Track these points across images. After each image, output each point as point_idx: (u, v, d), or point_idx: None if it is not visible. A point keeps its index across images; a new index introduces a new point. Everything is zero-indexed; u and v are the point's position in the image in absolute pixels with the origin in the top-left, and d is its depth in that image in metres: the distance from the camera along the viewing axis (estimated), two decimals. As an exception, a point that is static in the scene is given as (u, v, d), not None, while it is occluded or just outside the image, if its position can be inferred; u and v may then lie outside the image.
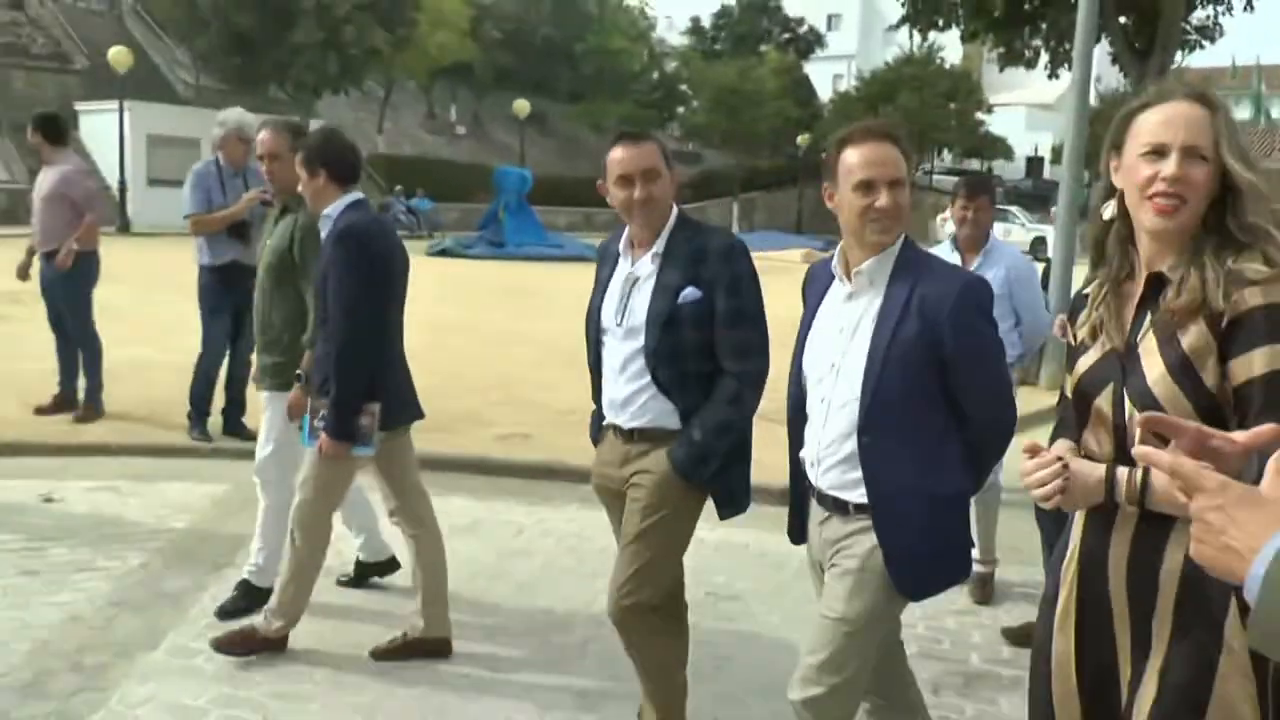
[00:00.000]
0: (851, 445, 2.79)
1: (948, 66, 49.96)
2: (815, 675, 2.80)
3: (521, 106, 39.00)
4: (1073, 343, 2.30)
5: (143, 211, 27.91)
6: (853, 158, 2.77)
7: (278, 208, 4.91)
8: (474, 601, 4.98)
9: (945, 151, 55.21)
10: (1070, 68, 12.50)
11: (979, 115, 50.39)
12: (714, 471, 3.40)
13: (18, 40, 37.72)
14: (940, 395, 2.78)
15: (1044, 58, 19.47)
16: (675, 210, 3.45)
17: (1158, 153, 2.07)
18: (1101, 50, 15.32)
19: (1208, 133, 2.06)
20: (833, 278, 2.93)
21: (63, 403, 8.07)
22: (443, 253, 27.34)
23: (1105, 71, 31.85)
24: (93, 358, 8.04)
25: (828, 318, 2.92)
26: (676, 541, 3.50)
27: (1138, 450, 1.48)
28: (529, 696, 4.11)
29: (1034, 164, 59.98)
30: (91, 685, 4.04)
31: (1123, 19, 16.91)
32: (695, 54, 55.06)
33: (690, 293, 3.32)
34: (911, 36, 27.36)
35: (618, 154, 3.37)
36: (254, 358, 4.94)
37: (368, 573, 5.18)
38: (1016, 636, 4.72)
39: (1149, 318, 2.12)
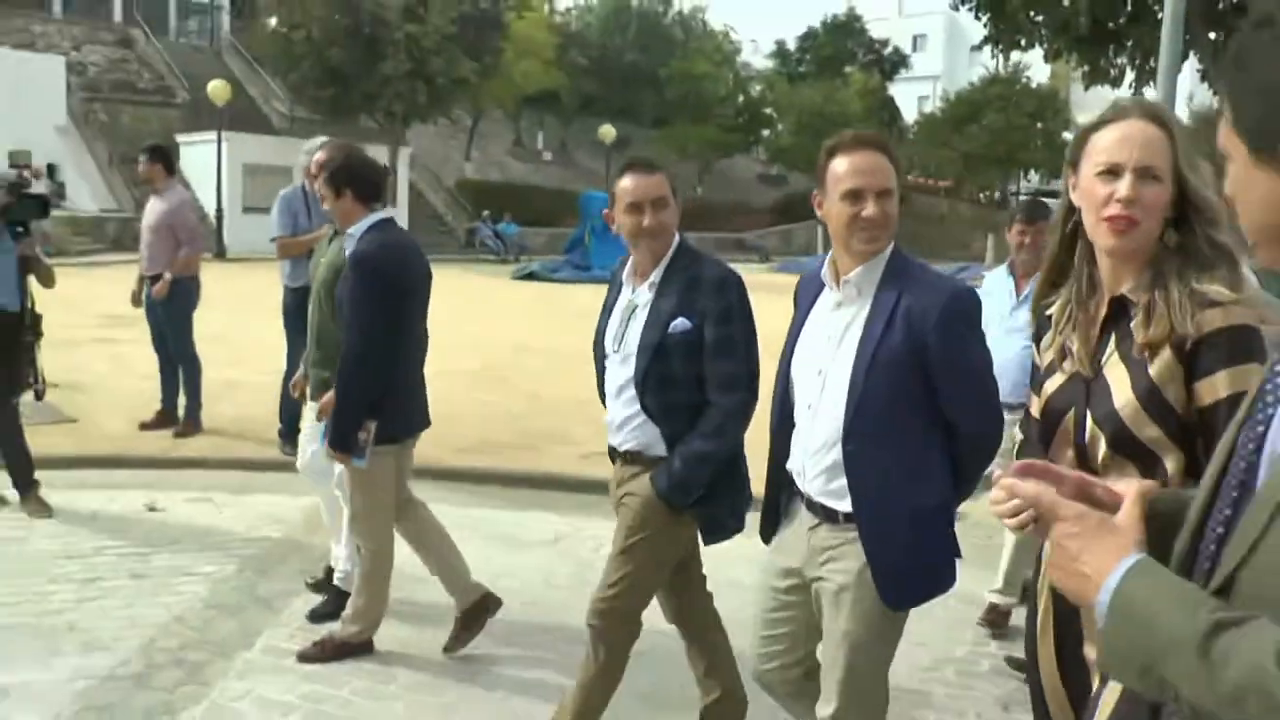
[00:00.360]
0: (837, 453, 2.79)
1: (1034, 86, 49.30)
2: (832, 693, 2.87)
3: (607, 132, 39.35)
4: (1039, 363, 2.31)
5: (238, 238, 28.69)
6: (841, 166, 2.76)
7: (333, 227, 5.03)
8: (554, 611, 5.12)
9: (1032, 172, 54.44)
10: (1156, 85, 12.36)
11: (1066, 135, 49.61)
12: (698, 498, 3.43)
13: (126, 77, 39.23)
14: (925, 404, 2.76)
15: (1129, 75, 19.19)
16: (677, 241, 3.49)
17: (1112, 172, 2.05)
18: (1191, 67, 15.09)
19: (1164, 153, 2.05)
20: (824, 285, 2.93)
21: (164, 419, 8.45)
22: (529, 276, 27.72)
23: (1197, 89, 31.21)
24: (193, 377, 8.41)
25: (816, 325, 2.92)
26: (658, 561, 3.57)
27: (1004, 481, 1.51)
28: (628, 696, 4.21)
29: (1124, 183, 58.72)
30: (194, 680, 4.30)
31: (1211, 34, 16.63)
32: (780, 77, 55.07)
33: (680, 323, 3.36)
34: (995, 56, 27.12)
35: (628, 183, 3.41)
36: (309, 372, 5.03)
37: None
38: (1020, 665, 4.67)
39: (1113, 340, 2.12)
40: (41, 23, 40.20)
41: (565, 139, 50.18)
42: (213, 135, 30.10)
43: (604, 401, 3.66)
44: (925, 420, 2.78)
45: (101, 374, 10.49)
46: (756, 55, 61.68)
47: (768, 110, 51.88)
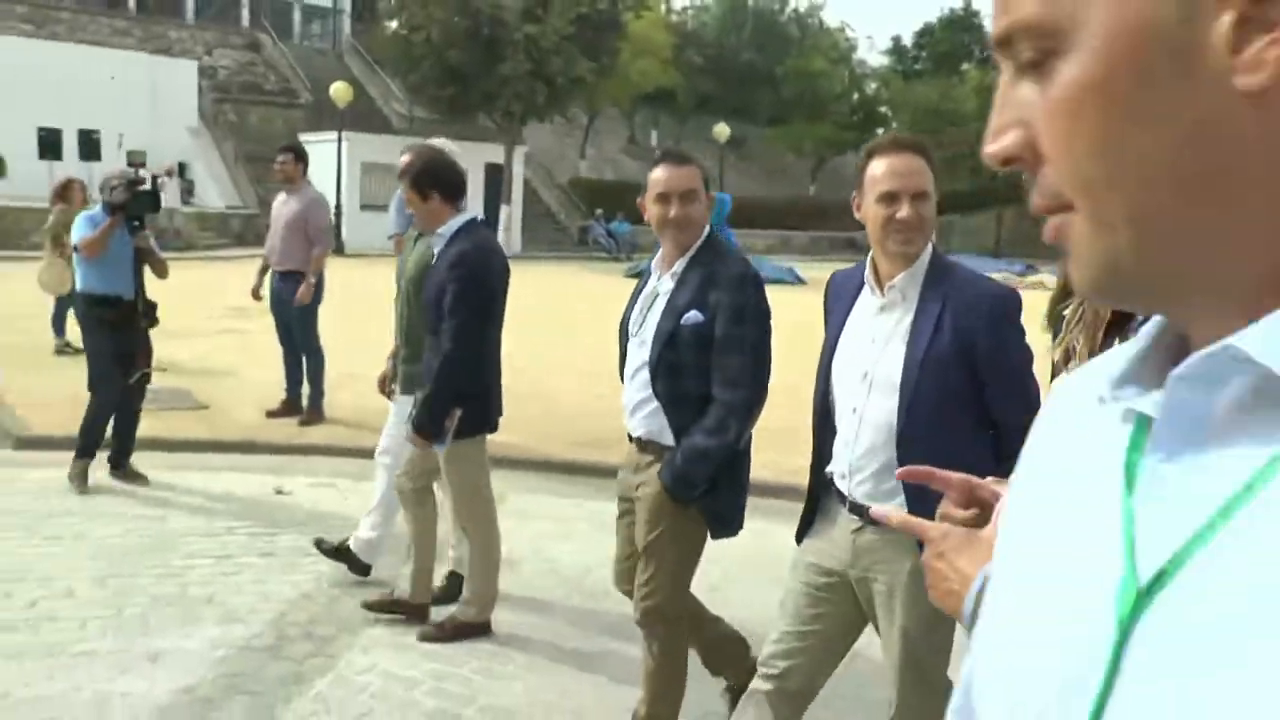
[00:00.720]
0: (885, 456, 2.79)
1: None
2: (896, 690, 2.93)
3: (721, 131, 39.31)
4: (1055, 361, 2.30)
5: (356, 234, 29.34)
6: (878, 169, 2.79)
7: None
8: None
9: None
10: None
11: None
12: (701, 492, 3.47)
13: (253, 79, 40.54)
14: (972, 403, 2.78)
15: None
16: (705, 234, 3.54)
17: None
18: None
19: None
20: (859, 288, 2.93)
21: (289, 407, 8.77)
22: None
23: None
24: (317, 367, 8.71)
25: (858, 328, 2.91)
26: (680, 554, 3.61)
27: (874, 510, 1.51)
28: (707, 681, 4.29)
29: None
30: (322, 653, 4.51)
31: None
32: (895, 74, 54.43)
33: (692, 316, 3.41)
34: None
35: (659, 173, 3.50)
36: (398, 368, 5.23)
37: (341, 557, 5.33)
38: None
39: (1116, 344, 2.08)
40: (176, 28, 41.75)
41: (680, 137, 50.17)
42: (333, 135, 30.77)
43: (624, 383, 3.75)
44: (973, 419, 2.81)
45: (229, 364, 10.90)
46: (872, 52, 61.57)
47: (883, 108, 51.28)
